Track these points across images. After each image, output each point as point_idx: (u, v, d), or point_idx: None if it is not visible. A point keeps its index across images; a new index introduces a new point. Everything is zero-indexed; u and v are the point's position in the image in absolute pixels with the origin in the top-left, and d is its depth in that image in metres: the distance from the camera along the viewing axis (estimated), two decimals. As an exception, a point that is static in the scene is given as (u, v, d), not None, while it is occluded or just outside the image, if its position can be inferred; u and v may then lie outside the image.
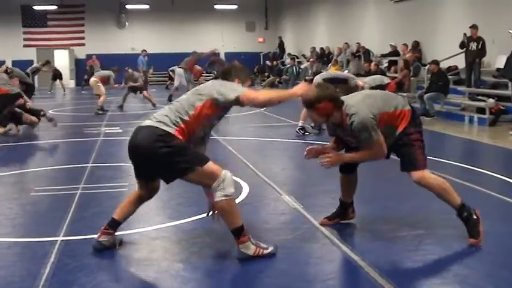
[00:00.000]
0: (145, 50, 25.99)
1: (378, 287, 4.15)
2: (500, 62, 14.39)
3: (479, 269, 4.49)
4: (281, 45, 32.86)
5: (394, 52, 20.69)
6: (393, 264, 4.63)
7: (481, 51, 15.22)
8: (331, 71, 16.76)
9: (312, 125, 11.84)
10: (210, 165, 4.62)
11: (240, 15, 35.16)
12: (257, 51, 34.67)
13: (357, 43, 23.69)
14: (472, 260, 4.69)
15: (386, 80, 13.14)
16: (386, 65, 20.72)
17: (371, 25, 23.98)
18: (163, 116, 4.64)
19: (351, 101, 5.01)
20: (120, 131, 12.93)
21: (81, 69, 31.54)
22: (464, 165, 8.53)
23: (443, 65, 16.51)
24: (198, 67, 27.21)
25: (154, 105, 18.05)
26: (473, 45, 15.24)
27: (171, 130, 4.52)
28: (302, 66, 26.83)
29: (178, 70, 20.50)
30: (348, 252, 4.84)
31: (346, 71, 19.02)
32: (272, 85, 28.44)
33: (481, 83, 15.69)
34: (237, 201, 6.35)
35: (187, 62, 20.60)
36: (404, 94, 17.53)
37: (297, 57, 28.64)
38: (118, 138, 11.77)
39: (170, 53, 30.34)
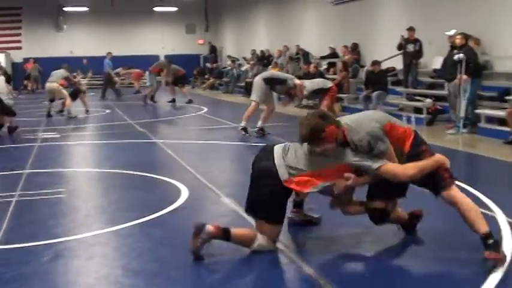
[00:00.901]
0: (110, 53, 25.88)
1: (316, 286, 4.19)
2: (437, 63, 14.68)
3: (419, 264, 4.57)
4: (213, 50, 33.03)
5: (333, 54, 20.92)
6: (333, 264, 4.68)
7: (418, 53, 15.56)
8: (272, 71, 16.77)
9: (257, 127, 11.87)
10: None
11: (180, 18, 35.00)
12: (197, 53, 34.57)
13: (297, 45, 23.86)
14: (411, 256, 4.76)
15: (329, 84, 13.22)
16: (325, 66, 20.92)
17: (310, 27, 24.17)
18: None
19: (349, 119, 4.82)
20: (58, 136, 12.70)
21: (18, 73, 30.83)
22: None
23: (382, 66, 16.74)
24: (137, 70, 27.04)
25: (87, 111, 17.70)
26: (410, 47, 15.56)
27: None
28: (242, 69, 26.87)
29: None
30: (287, 252, 4.85)
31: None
32: (212, 87, 28.46)
33: (418, 84, 15.99)
34: (176, 205, 6.37)
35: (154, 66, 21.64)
36: (344, 95, 17.79)
37: (237, 60, 28.66)
38: (56, 144, 11.57)
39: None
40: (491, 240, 4.42)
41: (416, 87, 15.84)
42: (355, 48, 20.00)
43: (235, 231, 4.78)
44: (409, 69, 15.85)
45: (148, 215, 5.98)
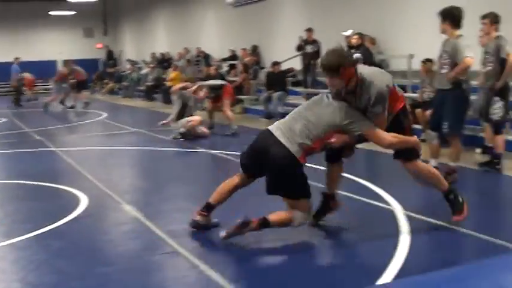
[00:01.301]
0: (18, 58, 24.92)
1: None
2: (335, 63, 14.91)
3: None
4: (110, 55, 32.66)
5: (234, 56, 20.98)
6: (235, 263, 4.65)
7: (317, 53, 15.78)
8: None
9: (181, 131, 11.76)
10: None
11: (78, 22, 34.16)
12: (96, 57, 33.89)
13: (197, 48, 23.80)
14: (303, 255, 4.79)
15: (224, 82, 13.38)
16: (226, 69, 20.95)
17: (211, 30, 24.16)
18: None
19: (364, 70, 5.06)
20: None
21: None
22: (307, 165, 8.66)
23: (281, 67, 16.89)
24: (29, 76, 26.03)
25: None
26: (309, 48, 15.80)
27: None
28: (142, 72, 26.48)
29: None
30: (189, 257, 4.78)
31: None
32: (112, 92, 27.95)
33: (318, 84, 16.23)
34: (75, 214, 6.18)
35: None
36: (245, 97, 17.85)
37: (137, 63, 28.29)
38: None
39: (3, 62, 28.78)
40: (452, 196, 5.29)
41: (316, 87, 16.06)
42: (254, 50, 20.13)
43: (272, 217, 4.98)
44: (308, 70, 16.07)
45: (46, 226, 5.76)
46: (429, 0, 11.72)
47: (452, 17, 7.16)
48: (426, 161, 6.25)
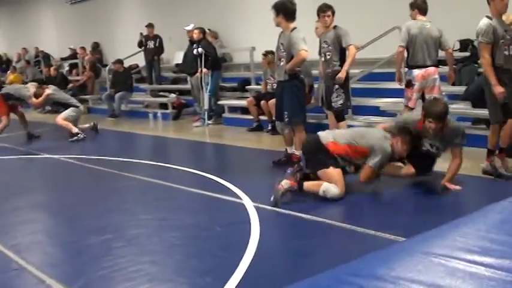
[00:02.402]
0: None
1: None
2: (179, 58, 14.88)
3: (170, 263, 4.53)
4: None
5: (74, 55, 20.36)
6: (82, 275, 4.46)
7: (159, 49, 15.66)
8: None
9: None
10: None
11: None
12: None
13: (35, 47, 22.89)
14: (163, 255, 4.70)
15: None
16: (67, 68, 20.31)
17: (49, 28, 23.30)
18: None
19: None
20: None
21: None
22: (155, 163, 8.54)
23: (125, 64, 16.59)
24: None
25: None
26: (150, 44, 15.62)
27: None
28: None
29: None
30: (35, 273, 4.52)
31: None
32: None
33: (163, 79, 16.12)
34: None
35: None
36: (88, 96, 17.40)
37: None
38: None
39: None
40: None
41: (161, 83, 15.95)
42: (96, 48, 19.65)
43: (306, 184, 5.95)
44: (152, 66, 15.90)
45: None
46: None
47: (285, 10, 7.31)
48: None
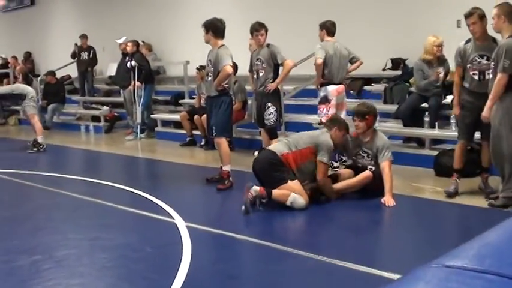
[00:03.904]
0: None
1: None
2: (112, 70, 14.73)
3: (99, 286, 4.45)
4: None
5: (6, 64, 19.86)
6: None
7: (93, 60, 15.48)
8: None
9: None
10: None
11: None
12: None
13: (-36, 55, 22.26)
14: (92, 278, 4.61)
15: None
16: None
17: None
18: None
19: None
20: None
21: None
22: (85, 179, 8.41)
23: (57, 75, 16.31)
24: None
25: None
26: (84, 55, 15.44)
27: None
28: None
29: None
30: None
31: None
32: None
33: (95, 91, 15.91)
34: None
35: None
36: (19, 107, 16.95)
37: None
38: None
39: None
40: None
41: (93, 95, 15.74)
42: (28, 57, 19.26)
43: (274, 191, 6.10)
44: (84, 77, 15.69)
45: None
46: (201, 11, 12.00)
47: (214, 28, 7.44)
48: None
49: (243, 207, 5.95)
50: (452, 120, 8.13)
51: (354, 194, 6.67)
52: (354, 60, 8.65)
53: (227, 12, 9.73)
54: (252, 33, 8.33)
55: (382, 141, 6.68)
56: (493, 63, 6.04)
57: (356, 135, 6.81)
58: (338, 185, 6.61)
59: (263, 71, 8.33)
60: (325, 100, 8.39)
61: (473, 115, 6.40)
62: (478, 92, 6.38)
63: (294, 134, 7.19)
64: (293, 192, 6.11)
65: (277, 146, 6.53)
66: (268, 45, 8.32)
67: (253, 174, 6.46)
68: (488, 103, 6.01)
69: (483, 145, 6.65)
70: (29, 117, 11.58)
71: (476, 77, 6.43)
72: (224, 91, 7.45)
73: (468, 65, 6.47)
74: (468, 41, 6.53)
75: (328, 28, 8.47)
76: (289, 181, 6.18)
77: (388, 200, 6.33)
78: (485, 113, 6.05)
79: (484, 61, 6.36)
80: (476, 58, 6.41)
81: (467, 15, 6.36)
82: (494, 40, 6.36)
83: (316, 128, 8.94)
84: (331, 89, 8.36)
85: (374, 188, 6.51)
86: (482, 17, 6.31)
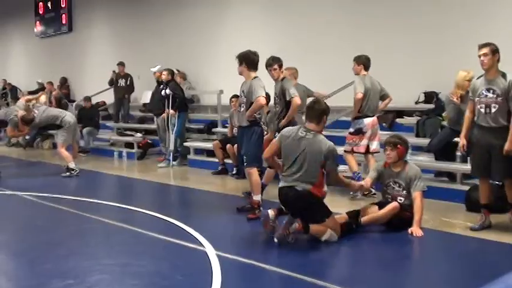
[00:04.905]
0: None
1: None
2: (147, 97, 14.94)
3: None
4: None
5: (42, 89, 20.24)
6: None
7: (130, 87, 15.74)
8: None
9: None
10: None
11: None
12: None
13: (3, 80, 22.74)
14: None
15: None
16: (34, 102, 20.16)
17: (18, 61, 23.24)
18: None
19: None
20: None
21: None
22: (118, 205, 8.52)
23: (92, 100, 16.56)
24: None
25: None
26: (121, 82, 15.69)
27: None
28: None
29: None
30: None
31: None
32: None
33: (130, 118, 16.12)
34: None
35: None
36: (54, 131, 17.23)
37: None
38: None
39: None
40: None
41: (128, 121, 15.95)
42: (64, 83, 19.62)
43: (312, 227, 6.09)
44: (120, 104, 15.93)
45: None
46: (236, 42, 12.18)
47: (247, 60, 7.58)
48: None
49: (276, 240, 6.02)
50: (458, 153, 8.31)
51: (382, 226, 6.68)
52: (385, 97, 8.86)
53: (261, 44, 9.87)
54: (266, 67, 8.37)
55: (414, 171, 6.74)
56: (499, 98, 6.22)
57: (387, 165, 6.87)
58: (365, 218, 6.63)
59: (278, 105, 8.40)
60: (359, 131, 8.63)
61: (482, 151, 6.48)
62: (484, 126, 6.45)
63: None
64: (329, 229, 6.15)
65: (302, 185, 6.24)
66: (282, 79, 8.36)
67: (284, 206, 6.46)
68: (510, 137, 6.13)
69: (506, 182, 6.65)
70: (57, 145, 11.82)
71: (482, 110, 6.47)
72: (255, 121, 7.55)
73: (476, 99, 6.53)
74: (480, 76, 6.59)
75: (365, 62, 8.69)
76: (331, 215, 6.29)
77: (415, 230, 6.39)
78: (507, 146, 6.16)
79: (491, 94, 6.41)
80: (483, 92, 6.46)
81: (481, 46, 6.45)
82: (503, 75, 6.39)
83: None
84: (367, 121, 8.62)
85: (402, 219, 6.53)
86: (495, 51, 6.40)
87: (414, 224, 6.44)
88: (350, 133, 8.79)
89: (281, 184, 6.34)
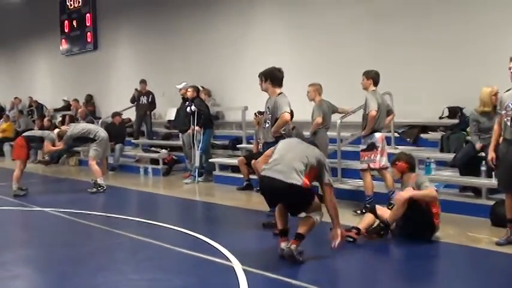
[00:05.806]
0: None
1: None
2: (171, 114, 15.06)
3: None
4: None
5: (67, 106, 20.54)
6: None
7: (151, 104, 15.88)
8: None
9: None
10: None
11: None
12: None
13: (30, 97, 23.06)
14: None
15: None
16: (60, 119, 20.42)
17: (43, 79, 23.49)
18: None
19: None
20: None
21: None
22: (145, 221, 8.59)
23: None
24: None
25: None
26: (143, 99, 15.85)
27: None
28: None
29: None
30: None
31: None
32: None
33: (154, 135, 16.25)
34: None
35: None
36: (80, 148, 17.43)
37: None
38: None
39: None
40: None
41: (152, 138, 16.09)
42: (89, 100, 19.85)
43: (302, 230, 6.03)
44: (142, 121, 16.09)
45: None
46: (261, 59, 12.29)
47: (272, 77, 7.63)
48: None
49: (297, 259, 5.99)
50: (483, 168, 8.33)
51: (407, 236, 6.70)
52: (390, 112, 9.04)
53: (286, 59, 9.93)
54: None
55: (421, 179, 6.97)
56: None
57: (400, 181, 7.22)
58: (385, 215, 6.86)
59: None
60: (372, 147, 8.66)
61: (508, 165, 6.47)
62: (510, 140, 6.44)
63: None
64: (315, 217, 6.11)
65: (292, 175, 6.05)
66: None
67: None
68: None
69: None
70: (89, 159, 11.97)
71: (508, 123, 6.47)
72: (281, 137, 7.57)
73: (503, 112, 6.53)
74: (509, 90, 6.59)
75: (374, 77, 8.74)
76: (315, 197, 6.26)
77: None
78: None
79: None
80: (509, 104, 6.46)
81: None
82: None
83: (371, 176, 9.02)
84: (378, 136, 8.69)
85: (418, 211, 6.66)
86: None
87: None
88: (363, 150, 8.79)
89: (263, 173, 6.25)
